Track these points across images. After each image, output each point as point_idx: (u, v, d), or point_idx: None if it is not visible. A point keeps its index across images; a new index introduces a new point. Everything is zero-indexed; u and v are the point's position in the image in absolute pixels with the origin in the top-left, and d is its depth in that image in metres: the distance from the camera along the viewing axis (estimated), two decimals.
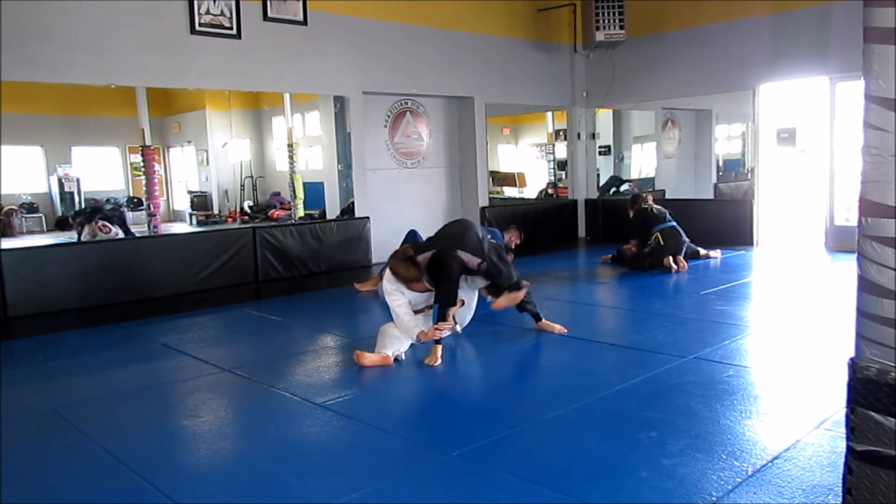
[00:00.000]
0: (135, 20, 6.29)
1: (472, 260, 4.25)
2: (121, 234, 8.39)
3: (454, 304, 4.25)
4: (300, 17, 7.31)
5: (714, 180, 10.24)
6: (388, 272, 4.32)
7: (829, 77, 7.77)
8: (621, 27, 9.02)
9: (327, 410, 3.35)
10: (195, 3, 6.57)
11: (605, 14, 9.00)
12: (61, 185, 11.51)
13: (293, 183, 9.06)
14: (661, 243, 6.95)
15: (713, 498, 2.33)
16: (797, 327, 4.73)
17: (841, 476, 1.80)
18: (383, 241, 7.59)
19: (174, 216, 12.77)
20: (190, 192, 12.49)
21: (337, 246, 7.75)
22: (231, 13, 6.81)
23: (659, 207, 7.26)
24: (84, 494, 2.59)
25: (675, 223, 7.09)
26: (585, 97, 10.18)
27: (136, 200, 11.95)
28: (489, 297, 4.64)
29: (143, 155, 8.11)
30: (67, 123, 11.23)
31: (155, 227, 8.12)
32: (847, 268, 6.44)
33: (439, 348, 4.10)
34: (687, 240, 7.11)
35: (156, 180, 8.55)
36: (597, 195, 10.40)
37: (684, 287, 6.36)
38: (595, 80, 10.00)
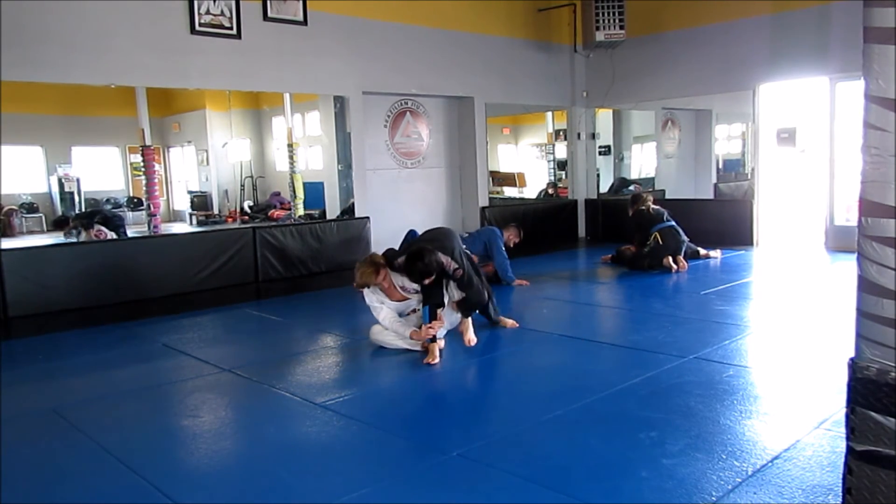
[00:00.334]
0: (135, 20, 6.29)
1: (450, 263, 4.22)
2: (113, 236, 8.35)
3: (441, 305, 4.28)
4: (300, 17, 7.31)
5: (714, 180, 10.23)
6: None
7: (829, 77, 7.77)
8: (621, 27, 9.02)
9: (327, 410, 3.35)
10: (195, 3, 6.57)
11: (605, 14, 8.99)
12: (61, 185, 11.51)
13: (293, 183, 9.06)
14: (661, 243, 6.95)
15: (713, 498, 2.33)
16: (797, 327, 4.73)
17: (841, 476, 1.80)
18: (383, 241, 7.56)
19: (174, 216, 12.77)
20: (190, 192, 12.49)
21: (337, 246, 7.75)
22: (231, 13, 6.81)
23: (657, 207, 7.26)
24: (84, 494, 2.59)
25: (673, 223, 7.09)
26: (585, 97, 10.17)
27: (136, 200, 11.98)
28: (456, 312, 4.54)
29: (143, 155, 8.09)
30: (67, 123, 11.23)
31: (155, 227, 8.11)
32: (847, 268, 6.44)
33: (436, 347, 4.13)
34: (686, 239, 7.12)
35: (156, 180, 8.54)
36: (597, 195, 10.39)
37: (684, 287, 6.36)
38: (595, 80, 10.00)
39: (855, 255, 1.74)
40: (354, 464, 2.80)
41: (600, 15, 9.00)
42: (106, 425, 3.29)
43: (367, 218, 8.04)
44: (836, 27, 7.55)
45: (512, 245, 6.85)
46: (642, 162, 11.35)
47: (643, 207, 7.23)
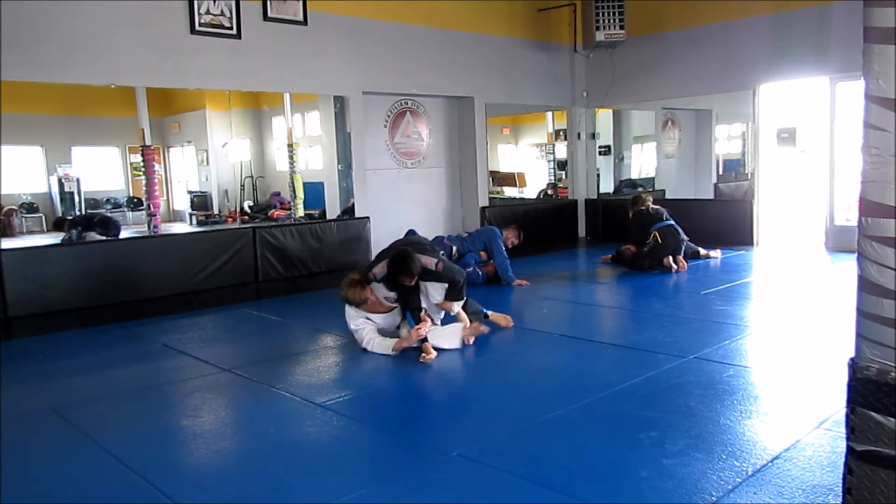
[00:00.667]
0: (135, 20, 6.29)
1: (429, 261, 4.30)
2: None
3: (419, 308, 4.30)
4: (300, 17, 7.31)
5: (714, 180, 10.24)
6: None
7: (829, 77, 7.77)
8: (621, 27, 9.01)
9: (327, 410, 3.35)
10: (195, 3, 6.57)
11: (605, 14, 8.99)
12: (61, 185, 11.52)
13: (293, 183, 9.06)
14: (660, 241, 6.95)
15: (713, 498, 2.33)
16: (797, 327, 4.73)
17: (841, 476, 1.80)
18: (383, 241, 7.53)
19: (174, 216, 12.78)
20: (190, 192, 12.50)
21: (337, 246, 7.75)
22: (231, 13, 6.81)
23: (656, 207, 7.27)
24: (84, 494, 2.59)
25: (673, 222, 7.09)
26: (585, 97, 10.17)
27: (136, 200, 11.98)
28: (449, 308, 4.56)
29: (143, 155, 8.08)
30: (67, 123, 11.24)
31: (155, 227, 8.10)
32: (847, 268, 6.44)
33: (428, 344, 4.18)
34: (686, 238, 7.12)
35: (156, 180, 8.54)
36: (597, 195, 10.39)
37: (684, 287, 6.36)
38: (595, 80, 10.00)
39: (855, 255, 1.74)
40: (354, 464, 2.80)
41: (600, 15, 9.00)
42: (106, 425, 3.29)
43: (367, 218, 8.04)
44: (836, 27, 7.55)
45: (510, 246, 6.85)
46: (642, 162, 11.36)
47: (643, 208, 7.24)
